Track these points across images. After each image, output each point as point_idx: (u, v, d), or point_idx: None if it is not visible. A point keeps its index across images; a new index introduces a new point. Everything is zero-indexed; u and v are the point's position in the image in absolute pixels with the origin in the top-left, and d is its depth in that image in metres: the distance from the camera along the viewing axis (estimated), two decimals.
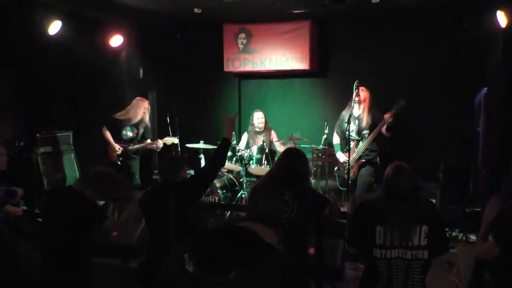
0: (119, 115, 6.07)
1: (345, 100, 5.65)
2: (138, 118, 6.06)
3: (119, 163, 6.02)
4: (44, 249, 3.17)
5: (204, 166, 3.45)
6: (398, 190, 2.53)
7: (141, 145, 6.09)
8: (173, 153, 3.24)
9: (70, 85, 7.45)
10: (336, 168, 5.81)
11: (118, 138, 6.04)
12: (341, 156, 5.51)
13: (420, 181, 2.64)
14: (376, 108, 5.35)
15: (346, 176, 5.29)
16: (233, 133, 6.33)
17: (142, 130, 6.18)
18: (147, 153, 6.36)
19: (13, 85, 7.13)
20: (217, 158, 3.34)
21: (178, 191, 3.08)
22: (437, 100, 6.74)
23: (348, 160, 4.94)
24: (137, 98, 6.26)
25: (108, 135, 6.01)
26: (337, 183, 6.04)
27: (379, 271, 2.47)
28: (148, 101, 6.24)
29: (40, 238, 3.23)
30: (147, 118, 6.19)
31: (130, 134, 6.09)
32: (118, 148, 5.96)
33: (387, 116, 5.08)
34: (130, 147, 6.02)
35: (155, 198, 3.19)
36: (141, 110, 6.08)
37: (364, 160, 5.31)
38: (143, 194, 3.35)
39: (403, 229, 2.44)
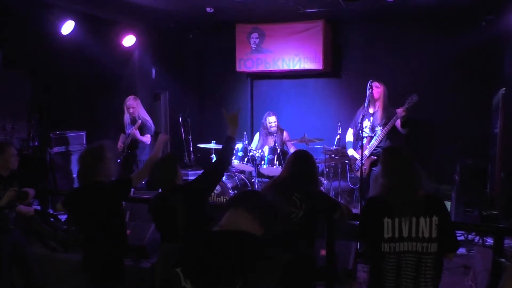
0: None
1: (358, 101, 5.57)
2: (128, 116, 6.19)
3: (118, 160, 6.26)
4: (86, 244, 3.19)
5: (209, 166, 3.31)
6: (398, 176, 2.41)
7: (128, 139, 6.20)
8: (163, 157, 3.02)
9: (83, 85, 7.53)
10: (348, 166, 5.76)
11: (125, 135, 6.29)
12: (352, 153, 5.46)
13: (422, 169, 2.48)
14: (391, 106, 5.26)
15: (358, 174, 5.23)
16: (244, 133, 6.33)
17: (139, 126, 6.12)
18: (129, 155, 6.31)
19: (27, 85, 7.21)
20: (222, 157, 3.22)
21: (185, 195, 3.03)
22: (453, 100, 6.63)
23: (362, 158, 4.87)
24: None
25: (121, 137, 6.33)
26: (349, 182, 5.97)
27: (387, 268, 2.37)
28: (129, 99, 6.22)
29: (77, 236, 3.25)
30: (138, 114, 6.17)
31: (128, 131, 6.21)
32: (119, 145, 6.28)
33: (399, 110, 4.98)
34: (126, 141, 6.26)
35: (163, 203, 3.14)
36: (126, 108, 6.21)
37: (376, 157, 5.23)
38: (152, 198, 3.31)
39: (412, 219, 2.34)
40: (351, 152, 5.49)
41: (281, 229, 2.86)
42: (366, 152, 5.19)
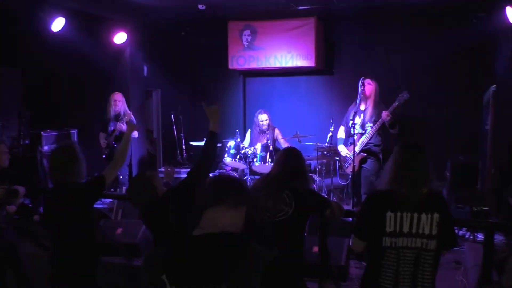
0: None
1: (351, 98, 5.60)
2: (112, 112, 6.27)
3: (103, 156, 6.41)
4: (54, 246, 3.08)
5: (193, 167, 3.13)
6: (410, 172, 2.40)
7: (113, 134, 6.28)
8: (137, 179, 2.97)
9: (74, 83, 7.47)
10: (338, 162, 5.80)
11: (106, 133, 6.36)
12: (342, 149, 5.50)
13: (432, 167, 2.48)
14: (383, 103, 5.29)
15: (347, 171, 5.26)
16: (237, 130, 6.33)
17: (124, 123, 6.20)
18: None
19: (17, 83, 7.14)
20: (205, 153, 3.03)
21: (176, 199, 2.95)
22: (444, 97, 6.67)
23: (353, 154, 4.90)
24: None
25: (100, 136, 6.41)
26: (339, 179, 6.01)
27: (387, 264, 2.37)
28: (115, 93, 6.33)
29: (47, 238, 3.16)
30: (124, 109, 6.29)
31: (111, 128, 6.29)
32: (102, 142, 6.35)
33: (384, 114, 5.02)
34: (110, 139, 6.33)
35: (155, 210, 3.04)
36: (109, 104, 6.29)
37: (365, 154, 5.25)
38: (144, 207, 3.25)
39: (414, 215, 2.34)
40: (341, 148, 5.52)
41: (263, 221, 2.89)
42: (357, 149, 5.21)
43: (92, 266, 3.07)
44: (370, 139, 5.21)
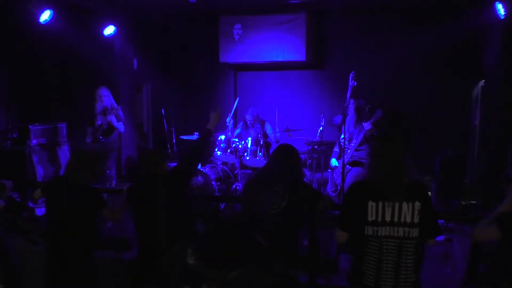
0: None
1: (342, 92, 5.61)
2: (99, 107, 6.25)
3: None
4: (50, 240, 3.17)
5: (184, 155, 3.51)
6: (387, 161, 2.43)
7: (101, 127, 6.29)
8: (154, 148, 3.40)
9: (63, 76, 7.41)
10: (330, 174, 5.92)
11: (93, 128, 6.31)
12: (334, 163, 5.69)
13: (409, 158, 2.50)
14: (367, 117, 5.45)
15: (338, 182, 5.41)
16: (227, 125, 6.33)
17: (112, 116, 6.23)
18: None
19: (5, 76, 7.06)
20: (197, 146, 3.42)
21: (164, 183, 3.10)
22: (433, 92, 6.71)
23: (343, 165, 5.01)
24: None
25: (88, 131, 6.36)
26: (329, 190, 6.07)
27: (369, 252, 2.40)
28: (101, 88, 6.29)
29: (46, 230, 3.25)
30: (111, 103, 6.27)
31: (99, 122, 6.28)
32: (88, 138, 6.35)
33: (366, 125, 5.25)
34: (97, 133, 6.32)
35: (141, 191, 3.17)
36: (96, 99, 6.27)
37: (350, 168, 5.43)
38: (129, 186, 3.34)
39: (395, 204, 2.38)
40: (333, 162, 5.71)
41: (257, 214, 2.95)
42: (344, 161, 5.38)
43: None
44: (354, 151, 5.41)
